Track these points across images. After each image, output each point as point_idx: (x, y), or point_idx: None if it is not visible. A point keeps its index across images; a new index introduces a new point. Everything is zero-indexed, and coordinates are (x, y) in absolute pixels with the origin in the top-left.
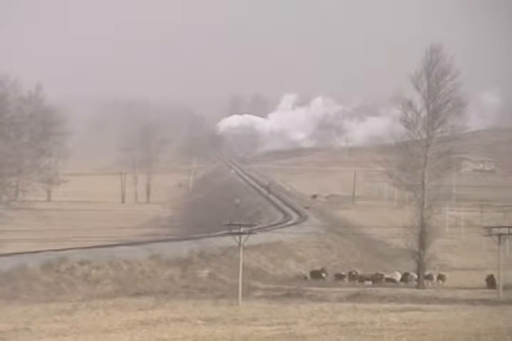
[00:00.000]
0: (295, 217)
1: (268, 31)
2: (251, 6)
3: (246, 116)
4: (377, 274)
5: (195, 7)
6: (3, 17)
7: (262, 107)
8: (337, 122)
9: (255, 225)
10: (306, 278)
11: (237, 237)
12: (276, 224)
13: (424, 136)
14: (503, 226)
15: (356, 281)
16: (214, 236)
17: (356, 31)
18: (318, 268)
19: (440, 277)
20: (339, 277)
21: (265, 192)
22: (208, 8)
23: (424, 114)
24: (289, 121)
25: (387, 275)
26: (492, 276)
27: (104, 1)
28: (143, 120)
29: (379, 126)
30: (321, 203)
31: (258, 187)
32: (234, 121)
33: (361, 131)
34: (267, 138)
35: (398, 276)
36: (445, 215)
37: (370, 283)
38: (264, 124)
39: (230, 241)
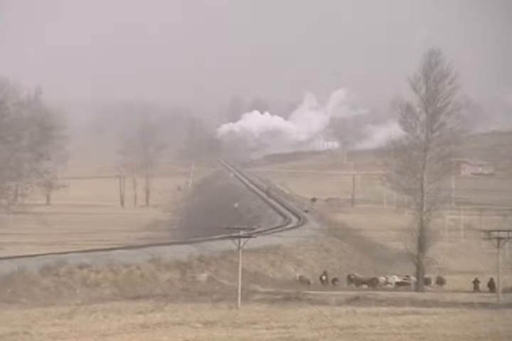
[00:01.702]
0: (294, 220)
1: (268, 31)
2: (251, 6)
3: (275, 116)
4: (374, 278)
5: (195, 7)
6: (2, 17)
7: (263, 110)
8: (356, 126)
9: (254, 229)
10: (309, 282)
11: (236, 241)
12: (275, 228)
13: (423, 139)
14: (503, 230)
15: (353, 285)
16: (213, 239)
17: (358, 31)
18: (322, 272)
19: (439, 280)
20: (334, 281)
21: (265, 195)
22: (208, 8)
23: (423, 117)
24: (305, 123)
25: (397, 279)
26: (491, 280)
27: (104, 1)
28: (142, 123)
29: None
30: (321, 207)
31: (257, 190)
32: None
33: (381, 134)
34: (286, 140)
35: (396, 280)
36: (444, 219)
37: (369, 286)
38: (286, 126)
39: (229, 244)
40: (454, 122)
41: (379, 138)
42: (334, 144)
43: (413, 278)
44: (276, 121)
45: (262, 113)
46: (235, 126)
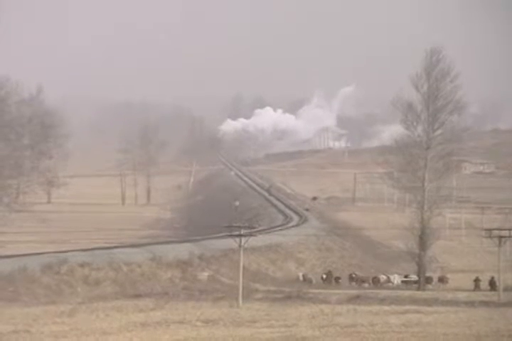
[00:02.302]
0: (295, 218)
1: (267, 30)
2: (251, 6)
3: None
4: (375, 277)
5: (195, 7)
6: (2, 17)
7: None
8: (366, 125)
9: (255, 227)
10: (311, 281)
11: (237, 239)
12: (276, 226)
13: (425, 138)
14: (504, 228)
15: (354, 284)
16: (214, 238)
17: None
18: (323, 271)
19: (441, 279)
20: (338, 279)
21: (266, 194)
22: (208, 8)
23: (424, 115)
24: (315, 122)
25: (398, 278)
26: (492, 278)
27: (104, 1)
28: (142, 122)
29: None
30: (321, 205)
31: (258, 189)
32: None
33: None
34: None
35: (396, 278)
36: (445, 217)
37: (369, 284)
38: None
39: (230, 243)
40: (456, 121)
41: (386, 137)
42: (342, 143)
43: (413, 277)
44: (287, 119)
45: (274, 110)
46: (249, 124)
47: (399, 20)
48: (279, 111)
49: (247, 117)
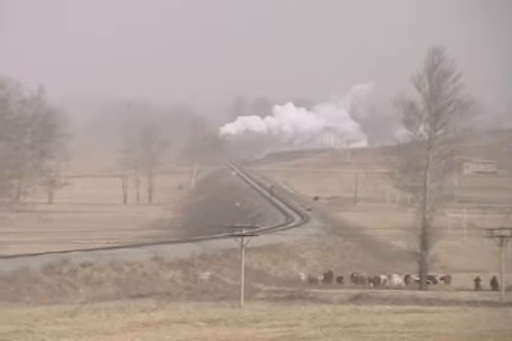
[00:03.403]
0: (297, 218)
1: (268, 29)
2: (251, 6)
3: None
4: (376, 277)
5: (195, 7)
6: (3, 17)
7: (265, 109)
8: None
9: (257, 227)
10: (316, 281)
11: (239, 239)
12: (278, 226)
13: (426, 138)
14: (505, 228)
15: (356, 283)
16: (216, 238)
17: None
18: (323, 271)
19: (443, 278)
20: (339, 279)
21: (267, 194)
22: (208, 7)
23: (426, 115)
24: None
25: (415, 278)
26: (494, 278)
27: (104, 1)
28: (144, 121)
29: None
30: (323, 205)
31: (260, 189)
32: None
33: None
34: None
35: (396, 278)
36: (447, 217)
37: (370, 284)
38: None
39: (231, 243)
40: (458, 121)
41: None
42: (364, 143)
43: (414, 277)
44: (308, 119)
45: (297, 108)
46: (272, 123)
47: (405, 20)
48: (302, 109)
49: (265, 115)
